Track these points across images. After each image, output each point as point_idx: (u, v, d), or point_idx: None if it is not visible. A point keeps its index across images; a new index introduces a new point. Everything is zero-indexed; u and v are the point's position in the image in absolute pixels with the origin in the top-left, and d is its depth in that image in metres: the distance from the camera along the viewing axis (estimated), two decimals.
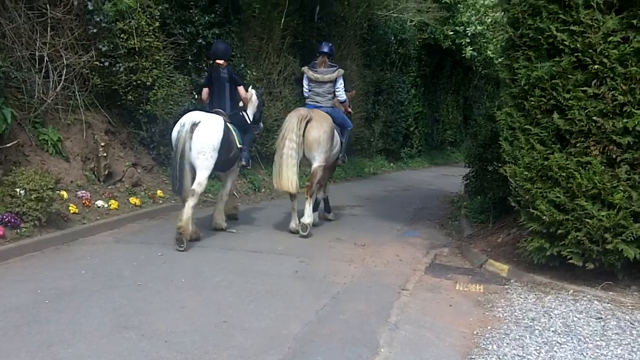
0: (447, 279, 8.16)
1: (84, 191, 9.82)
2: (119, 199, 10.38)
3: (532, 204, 7.75)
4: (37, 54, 9.83)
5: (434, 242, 10.16)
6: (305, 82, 10.65)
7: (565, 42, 7.38)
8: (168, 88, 11.46)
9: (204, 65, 12.30)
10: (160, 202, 11.27)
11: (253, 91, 10.42)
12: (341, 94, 10.66)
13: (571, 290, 7.60)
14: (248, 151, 10.11)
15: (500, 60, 9.24)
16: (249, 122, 10.15)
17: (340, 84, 10.54)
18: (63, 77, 10.09)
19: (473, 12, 24.22)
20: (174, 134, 8.79)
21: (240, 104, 10.14)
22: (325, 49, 10.53)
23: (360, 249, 9.17)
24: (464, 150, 31.81)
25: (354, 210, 12.74)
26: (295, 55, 16.14)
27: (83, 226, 9.07)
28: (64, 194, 9.35)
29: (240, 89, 9.89)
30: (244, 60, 13.39)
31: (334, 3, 17.72)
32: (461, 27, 24.03)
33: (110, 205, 10.02)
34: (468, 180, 11.38)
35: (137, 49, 11.01)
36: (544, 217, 7.59)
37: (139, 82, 11.14)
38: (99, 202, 9.93)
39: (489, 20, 24.40)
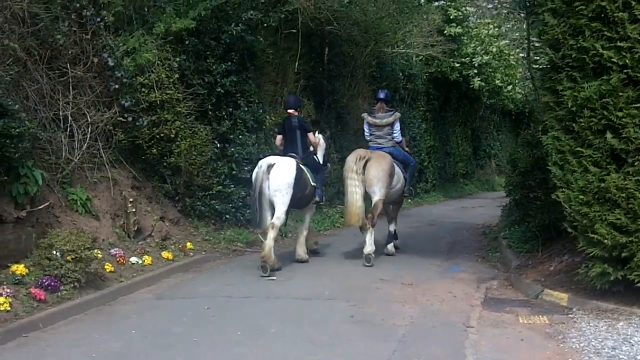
0: (506, 312, 7.85)
1: (116, 249, 9.54)
2: (150, 254, 10.09)
3: (591, 228, 7.48)
4: (60, 113, 9.64)
5: (481, 276, 9.85)
6: (366, 127, 11.77)
7: (613, 60, 7.19)
8: (191, 139, 11.23)
9: (224, 113, 12.10)
10: (191, 254, 10.97)
11: (320, 136, 11.51)
12: (397, 136, 11.68)
13: None
14: (321, 189, 11.16)
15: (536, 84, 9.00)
16: (319, 163, 11.21)
17: (397, 127, 11.60)
18: (88, 135, 9.89)
19: (477, 42, 24.14)
20: (253, 175, 9.97)
21: (311, 148, 11.07)
22: (382, 96, 11.77)
23: (409, 289, 8.86)
24: (475, 182, 31.81)
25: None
26: (309, 97, 15.97)
27: (120, 284, 8.77)
28: (98, 253, 9.06)
29: (310, 134, 10.95)
30: (262, 105, 13.20)
31: (343, 44, 17.57)
32: (467, 58, 23.94)
33: (144, 261, 9.74)
34: (508, 210, 11.09)
35: (158, 102, 10.84)
36: (606, 241, 7.31)
37: (162, 135, 10.94)
38: (133, 259, 9.65)
39: (494, 49, 24.38)
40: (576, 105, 7.52)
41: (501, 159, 34.51)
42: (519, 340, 6.66)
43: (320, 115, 16.18)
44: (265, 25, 12.97)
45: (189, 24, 11.26)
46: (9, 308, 6.99)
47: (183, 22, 11.23)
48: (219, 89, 11.91)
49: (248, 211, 12.27)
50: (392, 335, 6.64)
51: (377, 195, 10.70)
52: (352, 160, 10.72)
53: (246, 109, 12.44)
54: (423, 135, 24.12)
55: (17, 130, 7.76)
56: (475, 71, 24.12)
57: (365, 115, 11.85)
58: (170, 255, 10.37)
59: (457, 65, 23.84)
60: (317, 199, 10.93)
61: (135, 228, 10.40)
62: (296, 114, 10.89)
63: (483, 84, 24.98)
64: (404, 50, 21.17)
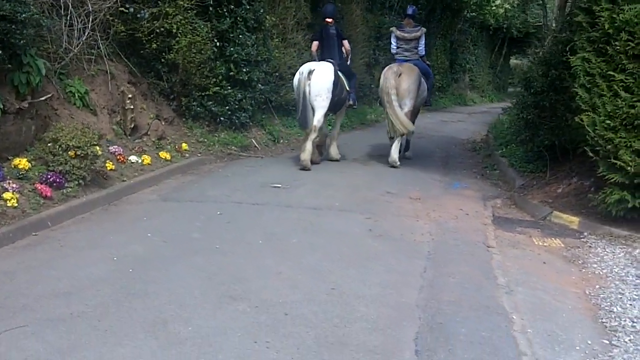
0: (518, 233, 7.82)
1: (116, 146, 9.23)
2: (148, 153, 9.80)
3: (615, 154, 7.35)
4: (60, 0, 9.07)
5: (485, 194, 9.78)
6: (393, 40, 12.29)
7: None
8: (191, 35, 10.75)
9: (225, 10, 11.55)
10: (187, 155, 10.68)
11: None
12: (422, 49, 12.27)
13: None
14: (355, 93, 11.80)
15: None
16: (351, 69, 11.98)
17: (423, 41, 12.23)
18: (88, 25, 9.35)
19: None
20: (295, 81, 10.90)
21: (344, 55, 11.64)
22: (410, 12, 12.62)
23: (418, 203, 8.74)
24: (449, 96, 31.54)
25: (382, 161, 12.25)
26: None
27: (123, 184, 8.50)
28: (98, 149, 8.73)
29: (345, 42, 11.60)
30: (262, 4, 12.62)
31: None
32: None
33: (143, 160, 9.45)
34: (518, 128, 10.93)
35: None
36: (629, 168, 7.21)
37: (162, 29, 10.45)
38: (133, 158, 9.37)
39: None
40: (613, 27, 7.27)
41: (475, 74, 34.34)
42: (541, 263, 6.61)
43: (315, 17, 15.61)
44: None
45: None
46: (16, 204, 6.70)
47: None
48: None
49: (244, 115, 12.03)
50: (417, 252, 6.53)
51: (407, 107, 11.43)
52: (391, 76, 11.35)
53: (248, 7, 11.88)
54: None
55: (24, 15, 7.26)
56: None
57: (394, 29, 12.42)
58: (168, 156, 10.08)
59: None
60: (350, 102, 11.56)
61: (132, 125, 10.04)
62: (333, 22, 11.48)
63: None
64: None
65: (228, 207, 7.90)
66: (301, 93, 10.54)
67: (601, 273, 6.38)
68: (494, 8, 28.69)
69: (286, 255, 6.16)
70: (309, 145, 10.58)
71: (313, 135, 10.65)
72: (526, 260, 6.64)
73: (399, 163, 11.45)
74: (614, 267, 6.54)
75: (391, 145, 11.65)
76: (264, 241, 6.55)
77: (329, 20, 11.42)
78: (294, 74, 12.92)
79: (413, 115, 11.99)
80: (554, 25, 13.73)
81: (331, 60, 11.04)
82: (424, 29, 12.39)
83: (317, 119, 10.62)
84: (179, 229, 6.85)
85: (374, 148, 13.54)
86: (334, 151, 11.75)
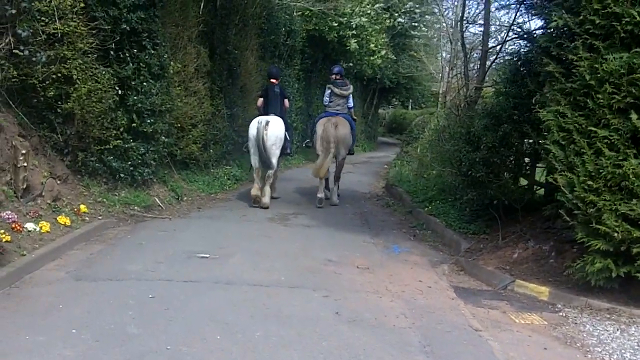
0: (489, 308, 7.00)
1: (9, 212, 7.71)
2: (45, 218, 8.34)
3: (597, 219, 6.65)
4: None
5: (431, 259, 8.93)
6: (327, 95, 13.63)
7: None
8: (92, 82, 9.41)
9: (127, 55, 10.22)
10: (87, 219, 9.24)
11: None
12: (350, 102, 13.76)
13: None
14: (291, 143, 13.35)
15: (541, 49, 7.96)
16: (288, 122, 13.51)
17: (351, 97, 13.70)
18: None
19: (356, 2, 23.08)
20: (253, 129, 12.04)
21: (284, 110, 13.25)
22: (338, 69, 13.99)
23: (369, 274, 7.73)
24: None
25: (298, 219, 11.24)
26: (204, 44, 14.28)
27: (24, 259, 6.99)
28: None
29: (286, 101, 13.24)
30: (166, 49, 11.40)
31: None
32: (344, 18, 22.86)
33: (41, 227, 7.97)
34: (460, 186, 10.19)
35: (59, 35, 8.94)
36: (615, 234, 6.52)
37: (59, 74, 9.06)
38: (29, 225, 7.86)
39: (372, 12, 23.51)
40: (595, 78, 6.62)
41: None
42: (542, 349, 5.78)
43: (213, 65, 14.51)
44: None
45: None
46: None
47: None
48: (124, 25, 9.99)
49: (146, 170, 10.75)
50: (408, 344, 5.47)
51: (342, 155, 13.18)
52: (331, 127, 12.77)
53: (152, 51, 10.63)
54: (295, 95, 22.84)
55: None
56: (354, 32, 23.12)
57: (330, 86, 13.58)
58: (67, 221, 8.62)
59: (335, 25, 22.70)
60: (288, 151, 13.26)
61: (25, 186, 8.53)
62: (277, 82, 13.07)
63: (357, 46, 24.09)
64: (287, 2, 19.69)
65: (158, 287, 6.56)
66: (260, 140, 11.79)
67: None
68: (372, 58, 28.36)
69: (257, 356, 4.93)
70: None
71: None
72: (525, 347, 5.77)
73: (335, 200, 13.25)
74: (622, 351, 5.80)
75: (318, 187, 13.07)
76: (222, 336, 5.29)
77: (274, 80, 12.99)
78: (194, 125, 13.46)
79: (344, 161, 13.64)
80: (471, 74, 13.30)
81: (278, 115, 12.48)
82: (352, 87, 13.90)
83: (273, 165, 12.16)
84: (109, 322, 5.47)
85: (285, 206, 12.57)
86: (267, 197, 12.34)
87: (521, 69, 9.26)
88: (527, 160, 9.89)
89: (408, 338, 5.60)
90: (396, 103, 58.83)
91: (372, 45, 24.81)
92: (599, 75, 6.59)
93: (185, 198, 12.16)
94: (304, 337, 5.40)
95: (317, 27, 22.67)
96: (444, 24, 30.32)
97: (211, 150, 14.57)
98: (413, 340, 5.56)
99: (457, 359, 5.23)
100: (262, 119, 12.08)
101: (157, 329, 5.36)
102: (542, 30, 8.78)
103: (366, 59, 28.41)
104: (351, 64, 29.82)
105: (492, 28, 16.34)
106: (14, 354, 4.69)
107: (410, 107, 55.17)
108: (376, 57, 27.85)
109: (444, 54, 36.73)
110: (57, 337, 5.06)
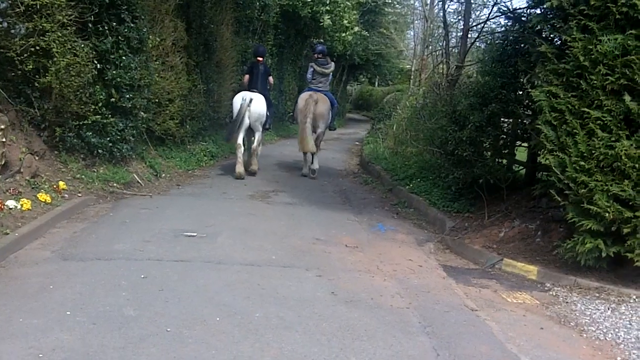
0: (480, 287, 7.03)
1: None
2: (25, 195, 8.16)
3: (589, 199, 6.69)
4: None
5: (417, 237, 8.95)
6: (310, 73, 14.47)
7: None
8: (70, 55, 9.19)
9: (106, 28, 9.98)
10: (66, 196, 9.07)
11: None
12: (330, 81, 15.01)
13: (634, 297, 6.70)
14: (271, 118, 13.94)
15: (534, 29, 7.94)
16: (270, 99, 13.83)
17: (331, 74, 14.69)
18: None
19: None
20: (236, 104, 12.60)
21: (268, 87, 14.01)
22: (321, 48, 14.86)
23: (359, 253, 7.71)
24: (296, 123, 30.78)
25: (279, 196, 11.14)
26: (182, 18, 14.01)
27: (7, 238, 6.82)
28: None
29: (270, 78, 14.02)
30: (145, 22, 11.13)
31: None
32: None
33: (22, 205, 7.80)
34: (445, 164, 10.15)
35: (38, 6, 8.68)
36: (607, 215, 6.56)
37: (37, 47, 8.82)
38: (10, 203, 7.69)
39: None
40: (589, 60, 6.61)
41: None
42: (539, 329, 5.82)
43: (190, 39, 14.26)
44: None
45: None
46: None
47: None
48: None
49: (125, 146, 10.58)
50: (408, 324, 5.45)
51: (321, 128, 13.93)
52: (311, 102, 13.51)
53: (132, 25, 10.38)
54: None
55: None
56: (328, 8, 22.93)
57: (313, 64, 14.42)
58: (48, 198, 8.44)
59: (309, 0, 22.49)
60: (267, 126, 13.80)
61: (3, 162, 8.34)
62: (262, 61, 13.69)
63: (331, 22, 23.93)
64: None
65: (148, 267, 6.45)
66: (244, 114, 12.35)
67: (607, 339, 5.67)
68: (344, 35, 28.17)
69: (260, 338, 4.86)
70: (254, 161, 13.25)
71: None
72: (523, 327, 5.80)
73: (313, 175, 13.90)
74: (617, 330, 5.85)
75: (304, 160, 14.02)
76: (221, 318, 5.22)
77: (260, 58, 13.66)
78: (171, 101, 13.07)
79: (322, 134, 14.34)
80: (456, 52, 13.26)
81: (255, 90, 13.00)
82: (333, 64, 14.88)
83: (257, 140, 13.09)
84: (104, 303, 5.36)
85: (266, 181, 12.51)
86: (255, 162, 13.36)
87: (507, 48, 9.23)
88: (507, 139, 9.88)
89: (407, 319, 5.58)
90: (363, 80, 58.77)
91: (345, 22, 24.56)
92: (592, 56, 6.59)
93: (163, 175, 11.99)
94: (304, 319, 5.35)
95: (290, 2, 22.44)
96: (419, 1, 30.24)
97: (188, 126, 14.34)
98: (413, 320, 5.55)
99: (459, 340, 5.20)
100: (247, 95, 12.58)
101: (154, 311, 5.25)
102: (531, 9, 8.74)
103: (338, 35, 28.27)
104: (322, 40, 29.66)
105: (473, 5, 16.05)
106: (9, 338, 4.55)
107: (377, 83, 55.25)
108: (348, 33, 27.74)
109: (416, 31, 36.58)
110: (52, 319, 4.93)
